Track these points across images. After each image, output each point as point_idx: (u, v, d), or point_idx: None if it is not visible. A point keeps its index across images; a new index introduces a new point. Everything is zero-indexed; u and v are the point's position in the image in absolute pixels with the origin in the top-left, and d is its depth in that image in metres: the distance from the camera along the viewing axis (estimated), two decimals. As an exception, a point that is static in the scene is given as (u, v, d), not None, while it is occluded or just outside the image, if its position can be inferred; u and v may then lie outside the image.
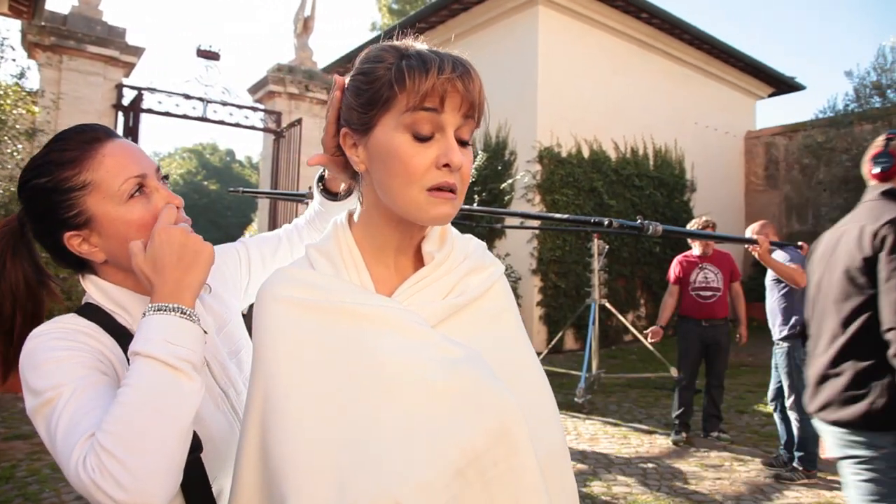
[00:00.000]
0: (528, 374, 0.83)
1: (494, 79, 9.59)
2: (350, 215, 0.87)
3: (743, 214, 13.77)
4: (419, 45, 0.78)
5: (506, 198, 9.71)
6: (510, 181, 9.52)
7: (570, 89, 10.02)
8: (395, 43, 0.78)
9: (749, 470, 4.25)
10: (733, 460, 4.45)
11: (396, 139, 0.74)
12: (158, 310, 0.82)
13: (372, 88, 0.75)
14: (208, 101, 10.54)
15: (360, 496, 0.64)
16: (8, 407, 5.37)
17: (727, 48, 12.22)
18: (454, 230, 0.89)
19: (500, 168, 9.88)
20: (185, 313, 0.83)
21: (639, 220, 2.15)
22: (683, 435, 4.87)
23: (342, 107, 0.81)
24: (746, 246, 3.90)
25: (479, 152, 9.20)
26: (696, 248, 5.01)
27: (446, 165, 0.73)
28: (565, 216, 2.21)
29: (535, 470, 0.73)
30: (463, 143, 0.77)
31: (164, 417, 0.75)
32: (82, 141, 0.95)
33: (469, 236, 0.90)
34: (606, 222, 2.04)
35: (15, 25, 8.86)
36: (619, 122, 10.65)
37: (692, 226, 4.90)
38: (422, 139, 0.73)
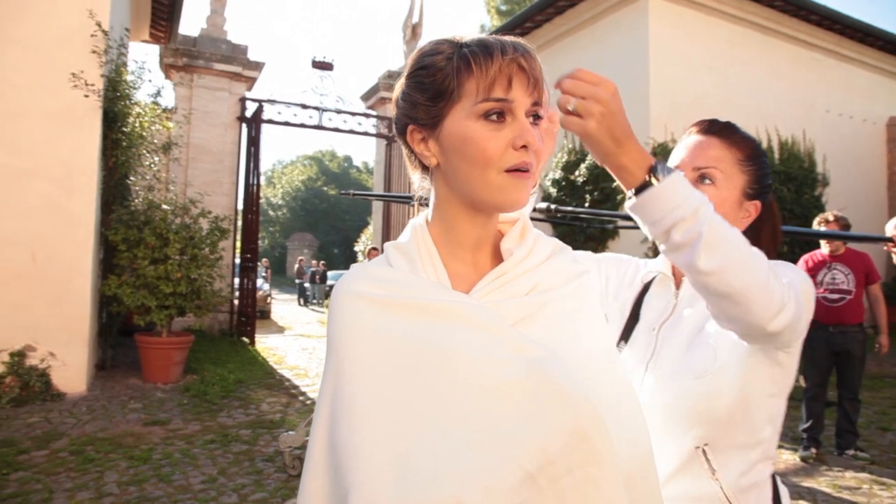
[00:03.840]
0: (610, 378, 0.78)
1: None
2: (426, 215, 0.86)
3: (885, 210, 12.50)
4: (471, 34, 0.78)
5: (618, 196, 9.40)
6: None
7: (683, 81, 9.57)
8: (446, 36, 0.79)
9: (893, 495, 3.82)
10: (873, 483, 4.04)
11: (470, 126, 0.74)
12: None
13: (436, 81, 0.76)
14: (323, 110, 11.05)
15: (422, 493, 0.63)
16: (149, 395, 5.90)
17: (863, 26, 11.15)
18: (536, 230, 0.86)
19: (612, 166, 9.62)
20: None
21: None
22: (813, 451, 4.48)
23: (402, 108, 0.82)
24: (885, 245, 3.52)
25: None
26: (824, 247, 4.61)
27: (524, 147, 0.73)
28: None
29: (615, 481, 0.69)
30: (535, 119, 0.77)
31: None
32: None
33: (553, 238, 0.86)
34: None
35: (153, 50, 9.77)
36: (738, 113, 10.00)
37: (817, 222, 4.50)
38: (495, 123, 0.73)
